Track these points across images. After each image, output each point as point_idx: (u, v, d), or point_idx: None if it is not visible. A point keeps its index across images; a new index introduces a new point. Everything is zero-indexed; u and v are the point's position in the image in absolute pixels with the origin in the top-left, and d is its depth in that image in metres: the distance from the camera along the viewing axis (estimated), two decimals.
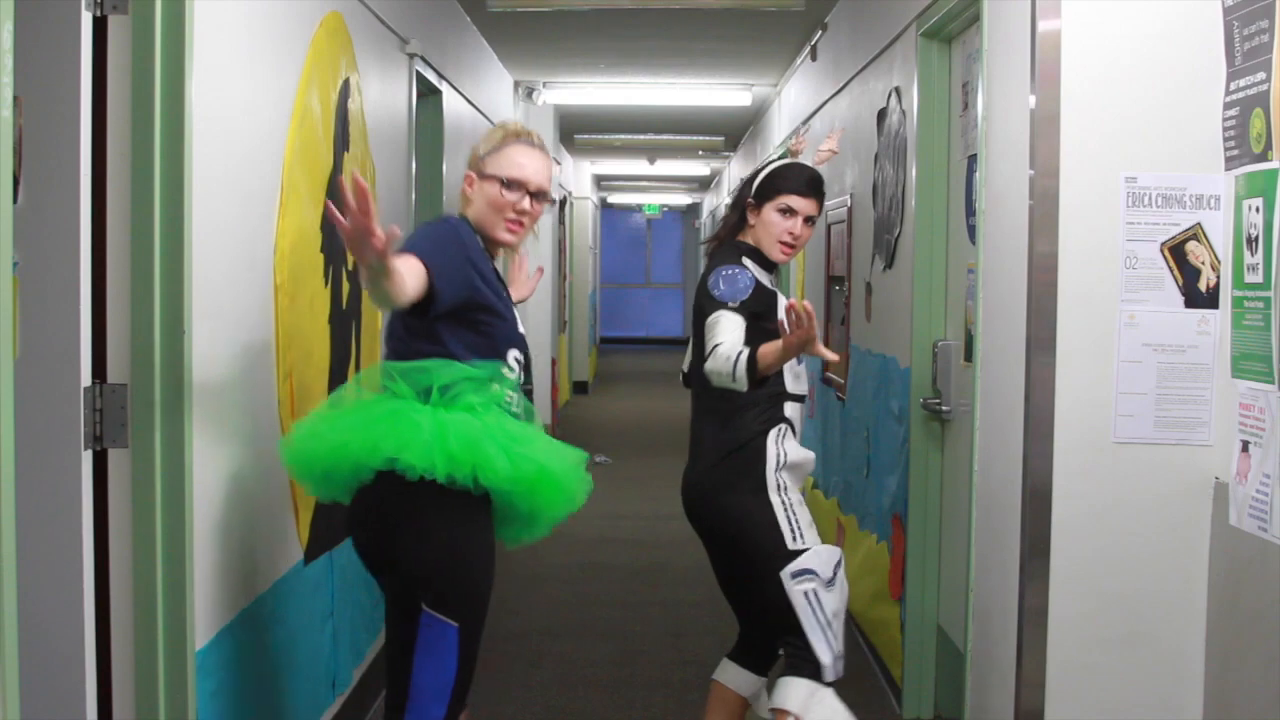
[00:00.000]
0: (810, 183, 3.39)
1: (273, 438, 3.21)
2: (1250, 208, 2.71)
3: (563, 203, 13.04)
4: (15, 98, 2.06)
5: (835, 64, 6.23)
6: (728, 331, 3.17)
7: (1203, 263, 2.92)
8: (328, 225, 3.65)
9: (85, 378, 2.44)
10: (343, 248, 3.82)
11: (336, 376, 3.75)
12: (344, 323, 3.85)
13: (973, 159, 3.78)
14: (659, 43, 7.49)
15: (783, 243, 3.35)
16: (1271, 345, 2.60)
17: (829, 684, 3.21)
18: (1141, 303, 2.94)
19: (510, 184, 2.83)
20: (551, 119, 9.92)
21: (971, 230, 3.77)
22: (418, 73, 5.01)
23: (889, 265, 4.67)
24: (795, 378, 3.39)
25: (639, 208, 23.79)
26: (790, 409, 3.36)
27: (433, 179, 5.57)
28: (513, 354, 2.84)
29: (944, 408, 4.04)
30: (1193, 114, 2.90)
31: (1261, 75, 2.67)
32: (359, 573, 4.07)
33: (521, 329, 2.92)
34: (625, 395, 14.95)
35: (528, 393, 2.93)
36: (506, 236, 2.85)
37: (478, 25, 6.80)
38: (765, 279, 3.36)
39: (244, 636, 2.98)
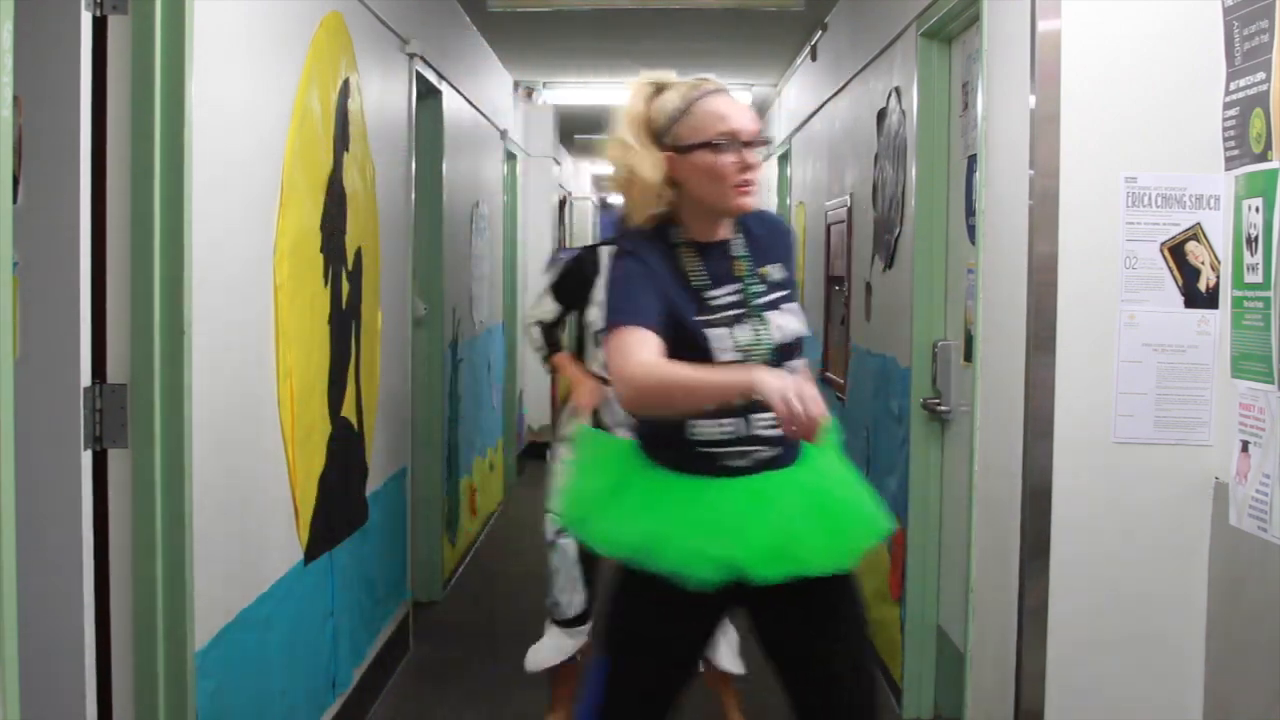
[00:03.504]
0: None
1: (273, 437, 3.21)
2: (1250, 208, 2.71)
3: (562, 202, 13.04)
4: (15, 98, 2.06)
5: (835, 64, 6.23)
6: None
7: (1202, 263, 2.92)
8: (327, 225, 3.65)
9: (85, 378, 2.44)
10: (343, 247, 3.83)
11: (336, 376, 3.75)
12: (344, 323, 3.85)
13: (973, 159, 3.78)
14: (659, 43, 7.48)
15: None
16: (1271, 345, 2.60)
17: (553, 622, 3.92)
18: (1141, 303, 2.94)
19: (720, 143, 2.40)
20: (551, 119, 9.92)
21: (971, 230, 3.77)
22: (417, 73, 5.01)
23: (889, 265, 4.67)
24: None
25: None
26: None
27: (433, 179, 5.57)
28: None
29: (944, 408, 4.04)
30: (1192, 114, 2.90)
31: (1261, 75, 2.67)
32: (359, 573, 4.08)
33: (747, 336, 2.41)
34: None
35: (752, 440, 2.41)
36: (744, 202, 2.40)
37: (477, 25, 6.80)
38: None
39: (244, 636, 2.98)
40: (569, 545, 3.86)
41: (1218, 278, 2.90)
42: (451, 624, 5.36)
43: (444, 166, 5.68)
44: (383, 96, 4.46)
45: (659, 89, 2.47)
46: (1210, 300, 2.91)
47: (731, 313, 2.41)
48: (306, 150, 3.44)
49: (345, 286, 3.87)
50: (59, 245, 2.40)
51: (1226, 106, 2.83)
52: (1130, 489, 2.97)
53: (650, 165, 2.43)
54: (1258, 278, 2.67)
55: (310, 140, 3.47)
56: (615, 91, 10.02)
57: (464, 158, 6.42)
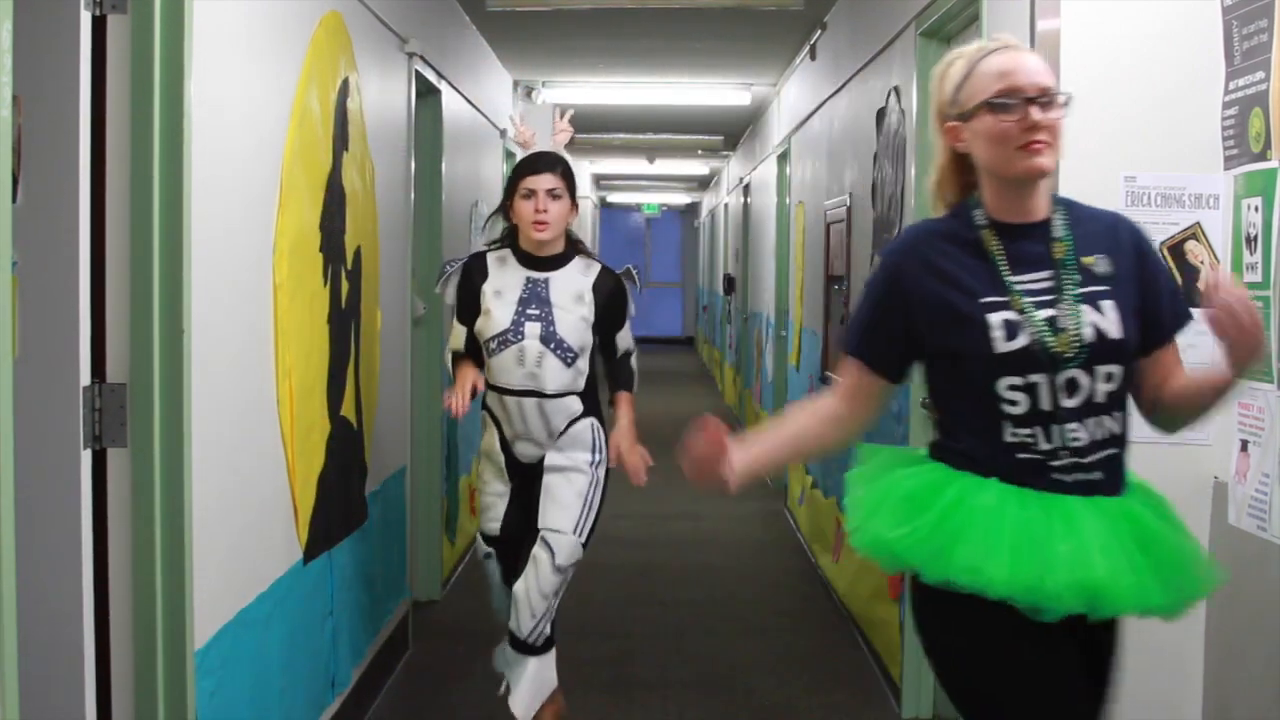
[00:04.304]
0: (538, 160, 3.69)
1: (272, 437, 3.21)
2: (1249, 207, 2.71)
3: None
4: (14, 97, 2.06)
5: (834, 63, 6.23)
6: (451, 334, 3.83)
7: (1202, 262, 2.92)
8: (327, 224, 3.65)
9: (84, 377, 2.44)
10: (342, 247, 3.83)
11: (335, 376, 3.75)
12: (343, 322, 3.85)
13: None
14: (659, 42, 7.48)
15: (535, 223, 3.62)
16: (1271, 345, 2.60)
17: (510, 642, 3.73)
18: None
19: (999, 103, 2.14)
20: (550, 118, 9.91)
21: None
22: (417, 72, 5.01)
23: None
24: (509, 371, 3.63)
25: (638, 207, 23.80)
26: (492, 397, 3.71)
27: (432, 179, 5.57)
28: (1004, 384, 2.13)
29: None
30: (1192, 114, 2.90)
31: (1260, 75, 2.67)
32: (358, 572, 4.08)
33: (1054, 324, 2.12)
34: None
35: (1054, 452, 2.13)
36: (1035, 163, 2.13)
37: (477, 24, 6.80)
38: (509, 271, 3.66)
39: (243, 636, 2.98)
40: (493, 571, 3.76)
41: None
42: (451, 623, 5.36)
43: (443, 166, 5.68)
44: (382, 96, 4.46)
45: (953, 61, 2.28)
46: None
47: (1037, 298, 2.15)
48: (306, 150, 3.44)
49: (345, 286, 3.87)
50: (58, 244, 2.40)
51: (1225, 106, 2.83)
52: None
53: (938, 147, 2.30)
54: (1257, 277, 2.67)
55: (309, 140, 3.47)
56: (615, 91, 9.95)
57: (463, 157, 6.42)
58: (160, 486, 2.55)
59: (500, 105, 8.02)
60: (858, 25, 5.56)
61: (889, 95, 4.70)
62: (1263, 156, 2.66)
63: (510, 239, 3.72)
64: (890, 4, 4.69)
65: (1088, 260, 2.18)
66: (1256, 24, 2.68)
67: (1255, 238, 2.68)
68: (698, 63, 8.27)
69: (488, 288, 3.65)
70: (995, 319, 2.12)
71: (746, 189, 11.45)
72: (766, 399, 9.20)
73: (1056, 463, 2.12)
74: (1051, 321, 2.12)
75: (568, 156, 3.79)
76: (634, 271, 3.91)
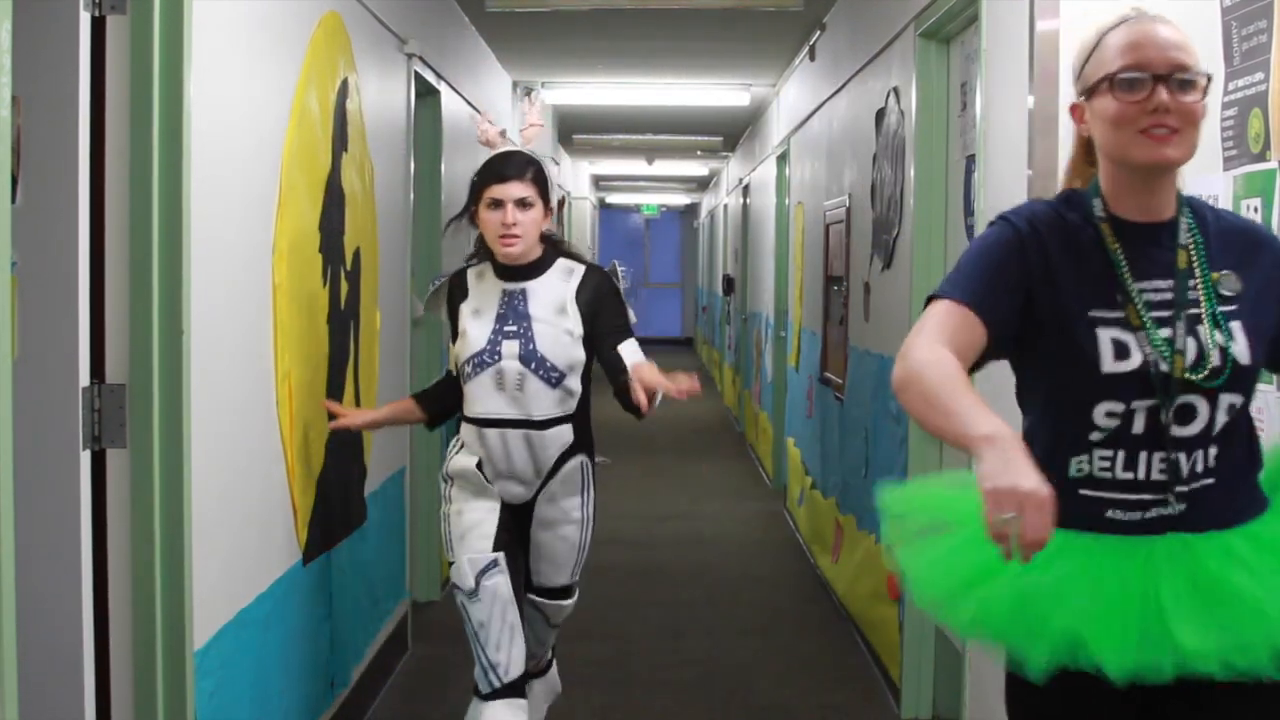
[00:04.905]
0: (505, 164, 3.31)
1: (271, 437, 3.21)
2: (1249, 208, 2.71)
3: (561, 203, 13.02)
4: (14, 98, 2.06)
5: (834, 64, 6.23)
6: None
7: None
8: (326, 225, 3.65)
9: (84, 378, 2.44)
10: (341, 248, 3.83)
11: (335, 377, 3.75)
12: (342, 323, 3.85)
13: (971, 159, 3.78)
14: (658, 43, 7.49)
15: (502, 237, 3.24)
16: None
17: (486, 695, 3.16)
18: None
19: (1122, 79, 1.85)
20: (550, 119, 9.92)
21: (970, 230, 3.77)
22: (416, 73, 5.01)
23: (887, 265, 4.67)
24: (488, 398, 3.22)
25: (637, 208, 23.80)
26: (468, 430, 3.28)
27: (431, 179, 5.57)
28: (1102, 410, 1.86)
29: None
30: None
31: (1260, 75, 2.67)
32: (358, 573, 4.08)
33: (1172, 346, 1.86)
34: None
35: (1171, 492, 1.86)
36: (1161, 152, 1.85)
37: (476, 25, 6.80)
38: (487, 286, 3.29)
39: (243, 636, 2.98)
40: (498, 584, 3.18)
41: None
42: (450, 624, 5.35)
43: (442, 166, 5.68)
44: (381, 96, 4.46)
45: (1088, 30, 1.99)
46: None
47: (1156, 314, 1.88)
48: (305, 150, 3.44)
49: (344, 287, 3.87)
50: (58, 245, 2.40)
51: (1225, 107, 2.83)
52: None
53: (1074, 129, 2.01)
54: None
55: (309, 140, 3.48)
56: (614, 91, 9.95)
57: (463, 157, 6.41)
58: (159, 487, 2.55)
59: (500, 106, 8.02)
60: (857, 26, 5.56)
61: (888, 96, 4.70)
62: (1262, 157, 2.66)
63: (485, 250, 3.35)
64: (889, 5, 4.69)
65: (1216, 275, 1.92)
66: (1256, 24, 2.68)
67: None
68: (697, 63, 8.28)
69: (465, 307, 3.28)
70: (1104, 334, 1.86)
71: (746, 190, 11.46)
72: (766, 400, 9.20)
73: (1123, 497, 1.87)
74: (1170, 342, 1.86)
75: (539, 155, 3.42)
76: (618, 268, 3.48)
